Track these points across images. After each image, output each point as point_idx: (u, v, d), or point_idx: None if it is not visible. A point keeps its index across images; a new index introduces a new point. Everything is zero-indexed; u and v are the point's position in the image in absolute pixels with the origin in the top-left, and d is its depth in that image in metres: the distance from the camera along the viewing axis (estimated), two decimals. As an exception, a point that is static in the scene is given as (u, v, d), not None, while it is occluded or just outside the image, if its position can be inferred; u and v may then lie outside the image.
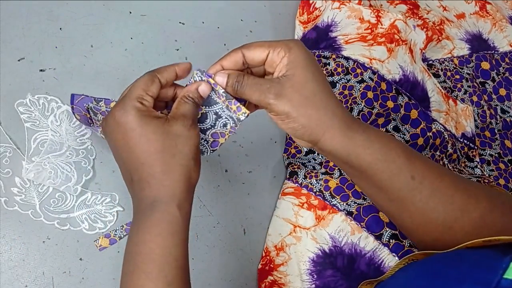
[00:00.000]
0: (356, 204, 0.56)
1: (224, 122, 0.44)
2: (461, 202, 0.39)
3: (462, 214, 0.39)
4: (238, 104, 0.41)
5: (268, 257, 0.56)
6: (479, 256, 0.32)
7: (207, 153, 0.46)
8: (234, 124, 0.44)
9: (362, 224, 0.56)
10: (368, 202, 0.57)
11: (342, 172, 0.59)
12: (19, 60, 0.55)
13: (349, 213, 0.56)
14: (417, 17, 0.75)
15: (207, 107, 0.43)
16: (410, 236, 0.44)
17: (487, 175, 0.67)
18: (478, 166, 0.68)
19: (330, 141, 0.39)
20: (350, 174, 0.43)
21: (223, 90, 0.41)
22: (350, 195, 0.57)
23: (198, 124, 0.43)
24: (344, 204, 0.57)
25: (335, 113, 0.39)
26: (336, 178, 0.58)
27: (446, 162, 0.66)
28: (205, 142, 0.45)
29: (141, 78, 0.40)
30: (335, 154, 0.39)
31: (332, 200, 0.57)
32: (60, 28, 0.58)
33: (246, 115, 0.42)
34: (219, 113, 0.43)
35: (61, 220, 0.50)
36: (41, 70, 0.55)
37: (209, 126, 0.44)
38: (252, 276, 0.56)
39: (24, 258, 0.48)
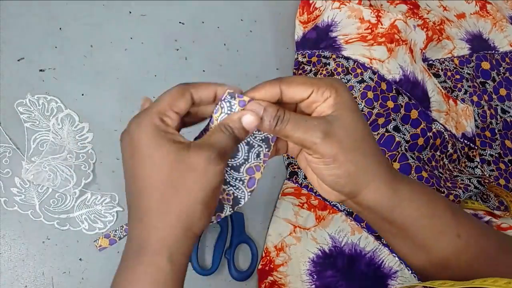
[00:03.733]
0: (356, 204, 0.56)
1: (257, 152, 0.37)
2: (505, 265, 0.35)
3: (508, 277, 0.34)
4: None
5: (268, 258, 0.56)
6: None
7: (244, 199, 0.37)
8: (267, 149, 0.37)
9: (362, 224, 0.56)
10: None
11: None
12: (18, 60, 0.55)
13: (349, 213, 0.56)
14: (417, 17, 0.75)
15: None
16: None
17: (487, 175, 0.67)
18: (479, 166, 0.68)
19: (374, 193, 0.34)
20: (388, 232, 0.37)
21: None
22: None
23: (230, 161, 0.36)
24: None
25: (381, 162, 0.34)
26: (336, 178, 0.58)
27: (446, 162, 0.66)
28: (241, 183, 0.37)
29: (170, 89, 0.33)
30: (378, 208, 0.34)
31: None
32: (60, 28, 0.58)
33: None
34: (250, 141, 0.36)
35: (60, 220, 0.50)
36: (40, 70, 0.55)
37: (243, 161, 0.37)
38: (251, 277, 0.55)
39: (23, 258, 0.48)
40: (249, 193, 0.37)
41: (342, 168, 0.32)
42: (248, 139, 0.36)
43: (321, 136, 0.32)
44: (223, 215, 0.37)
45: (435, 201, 0.35)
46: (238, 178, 0.37)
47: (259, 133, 0.36)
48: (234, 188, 0.37)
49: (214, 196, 0.32)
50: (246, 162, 0.37)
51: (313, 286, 0.54)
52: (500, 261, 0.35)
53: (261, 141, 0.36)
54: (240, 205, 0.37)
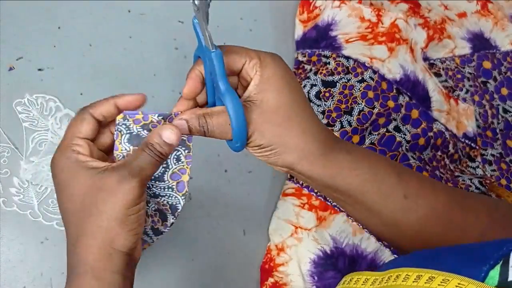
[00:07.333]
0: (357, 205, 0.56)
1: (176, 156, 0.37)
2: (460, 220, 0.36)
3: (461, 234, 0.36)
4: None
5: (269, 255, 0.56)
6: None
7: (180, 204, 0.38)
8: (186, 151, 0.37)
9: (363, 224, 0.56)
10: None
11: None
12: (17, 59, 0.55)
13: (350, 214, 0.56)
14: (418, 16, 0.75)
15: None
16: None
17: (488, 175, 0.67)
18: (480, 166, 0.68)
19: (310, 166, 0.35)
20: (337, 199, 0.38)
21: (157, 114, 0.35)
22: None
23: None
24: (345, 205, 0.56)
25: (315, 137, 0.34)
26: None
27: (447, 162, 0.65)
28: (170, 190, 0.38)
29: (73, 119, 0.35)
30: (318, 178, 0.35)
31: (333, 201, 0.57)
32: (59, 27, 0.58)
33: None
34: None
35: (60, 221, 0.50)
36: (39, 70, 0.55)
37: (163, 170, 0.37)
38: (252, 277, 0.55)
39: (22, 259, 0.48)
40: (182, 197, 0.38)
41: (268, 151, 0.34)
42: None
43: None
44: (168, 224, 0.39)
45: (377, 165, 0.36)
46: (166, 187, 0.37)
47: None
48: (166, 197, 0.38)
49: (131, 213, 0.32)
50: (168, 169, 0.37)
51: (314, 287, 0.53)
52: (452, 217, 0.36)
53: (176, 146, 0.36)
54: (178, 210, 0.38)
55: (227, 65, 0.34)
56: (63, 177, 0.33)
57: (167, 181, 0.37)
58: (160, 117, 0.34)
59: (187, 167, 0.37)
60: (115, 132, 0.35)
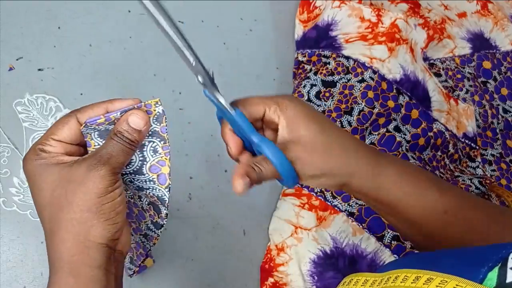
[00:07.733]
0: (357, 205, 0.56)
1: (152, 148, 0.36)
2: (497, 236, 0.36)
3: None
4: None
5: (269, 255, 0.56)
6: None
7: (166, 196, 0.37)
8: (162, 142, 0.36)
9: (363, 225, 0.56)
10: (369, 203, 0.56)
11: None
12: (17, 59, 0.55)
13: (351, 214, 0.56)
14: (418, 16, 0.75)
15: None
16: None
17: (488, 175, 0.67)
18: (480, 166, 0.68)
19: (358, 182, 0.36)
20: (380, 210, 0.40)
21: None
22: (352, 196, 0.57)
23: (127, 167, 0.36)
24: (346, 205, 0.56)
25: (358, 154, 0.36)
26: (337, 178, 0.58)
27: (447, 163, 0.65)
28: (152, 183, 0.37)
29: (57, 120, 0.34)
30: (365, 193, 0.37)
31: (333, 201, 0.57)
32: (59, 27, 0.58)
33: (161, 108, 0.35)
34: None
35: (59, 221, 0.50)
36: (39, 70, 0.55)
37: (141, 162, 0.36)
38: (252, 277, 0.55)
39: (22, 258, 0.48)
40: (166, 190, 0.37)
41: (322, 178, 0.36)
42: None
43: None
44: (163, 215, 0.38)
45: (419, 180, 0.37)
46: (147, 180, 0.37)
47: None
48: (150, 189, 0.37)
49: (105, 202, 0.31)
50: (145, 162, 0.36)
51: (314, 287, 0.53)
52: (491, 231, 0.37)
53: (150, 137, 0.36)
54: (166, 202, 0.37)
55: (248, 117, 0.35)
56: (32, 175, 0.32)
57: (147, 174, 0.37)
58: (122, 114, 0.33)
59: (166, 159, 0.37)
60: (84, 134, 0.34)
